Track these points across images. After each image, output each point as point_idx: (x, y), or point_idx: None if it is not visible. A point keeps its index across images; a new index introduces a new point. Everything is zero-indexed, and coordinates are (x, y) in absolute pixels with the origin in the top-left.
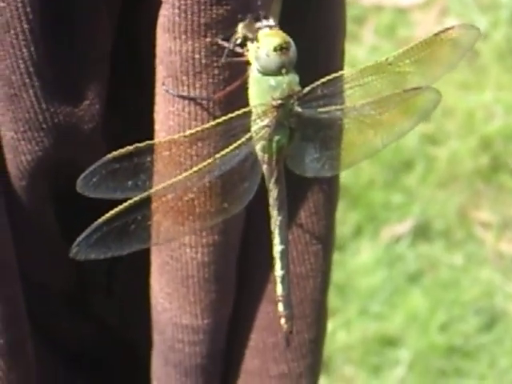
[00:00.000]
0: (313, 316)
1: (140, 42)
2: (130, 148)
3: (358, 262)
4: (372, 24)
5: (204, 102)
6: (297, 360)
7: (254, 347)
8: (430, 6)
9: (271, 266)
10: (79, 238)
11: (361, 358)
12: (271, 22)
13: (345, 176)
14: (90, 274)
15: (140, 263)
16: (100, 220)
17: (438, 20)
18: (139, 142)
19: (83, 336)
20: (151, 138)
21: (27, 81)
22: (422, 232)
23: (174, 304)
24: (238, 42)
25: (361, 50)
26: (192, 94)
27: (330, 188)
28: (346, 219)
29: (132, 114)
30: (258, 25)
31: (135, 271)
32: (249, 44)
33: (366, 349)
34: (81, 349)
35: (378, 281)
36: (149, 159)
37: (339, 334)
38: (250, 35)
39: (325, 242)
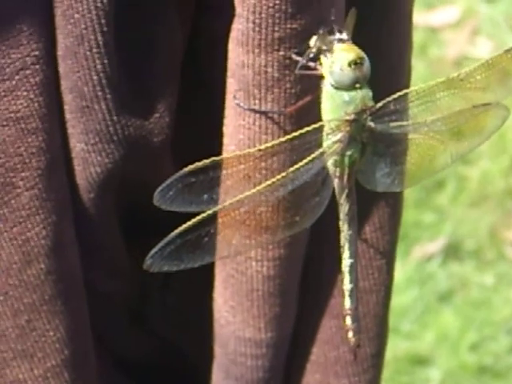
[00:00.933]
0: (375, 330)
1: (201, 54)
2: (206, 162)
3: None
4: None
5: (275, 116)
6: (358, 374)
7: (316, 361)
8: (462, 26)
9: (333, 280)
10: (153, 250)
11: (391, 376)
12: (344, 35)
13: None
14: (148, 288)
15: (195, 277)
16: (174, 232)
17: (470, 40)
18: (206, 155)
19: (141, 347)
20: (218, 151)
21: (99, 93)
22: (453, 251)
23: (237, 317)
24: (311, 56)
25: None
26: (263, 108)
27: (395, 203)
28: None
29: (198, 127)
30: (332, 38)
31: (190, 285)
32: (322, 58)
33: (397, 368)
34: (139, 360)
35: (408, 300)
36: (224, 173)
37: None
38: (324, 48)
39: (388, 256)
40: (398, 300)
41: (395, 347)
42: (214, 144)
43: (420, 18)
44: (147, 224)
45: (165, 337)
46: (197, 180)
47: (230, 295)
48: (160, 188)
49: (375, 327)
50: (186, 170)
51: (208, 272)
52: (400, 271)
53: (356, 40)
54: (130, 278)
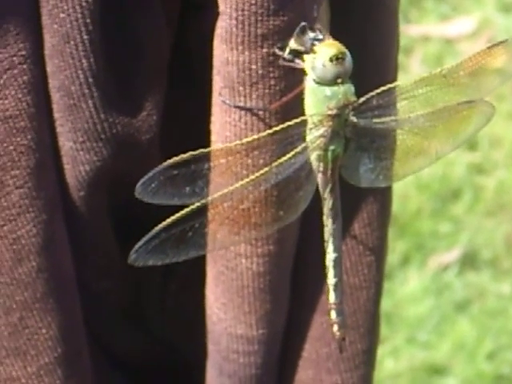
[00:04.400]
0: (366, 326)
1: (192, 53)
2: (188, 155)
3: (406, 290)
4: (419, 54)
5: (260, 112)
6: (350, 370)
7: (308, 358)
8: (478, 37)
9: (324, 277)
10: (138, 244)
11: None
12: (318, 34)
13: (393, 204)
14: (145, 288)
15: (193, 278)
16: (159, 226)
17: None
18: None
19: (138, 346)
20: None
21: (86, 91)
22: (469, 261)
23: (228, 314)
24: (290, 55)
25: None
26: (248, 105)
27: (383, 199)
28: (393, 248)
29: (188, 124)
30: (307, 38)
31: (189, 286)
32: (304, 54)
33: (414, 377)
34: (135, 359)
35: (425, 309)
36: (206, 166)
37: (387, 362)
38: (300, 48)
39: (378, 253)
40: (414, 310)
41: (412, 357)
42: (203, 141)
43: (435, 29)
44: (140, 223)
45: (162, 336)
46: (179, 173)
47: (220, 292)
48: (142, 180)
49: (366, 323)
50: (168, 162)
51: (205, 271)
52: (416, 281)
53: (341, 36)
54: (124, 277)
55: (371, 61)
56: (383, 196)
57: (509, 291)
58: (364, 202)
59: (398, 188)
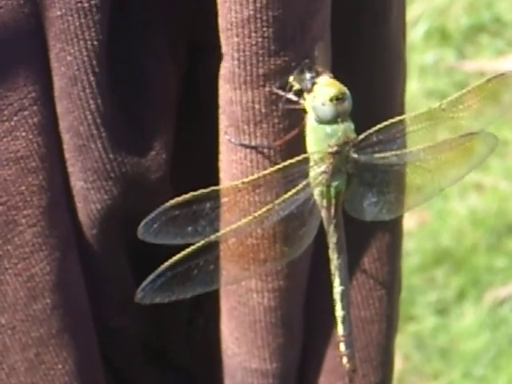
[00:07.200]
0: (378, 359)
1: (201, 93)
2: (189, 195)
3: (462, 325)
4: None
5: (265, 150)
6: None
7: None
8: None
9: (333, 310)
10: (144, 283)
11: None
12: (318, 73)
13: (448, 240)
14: (170, 324)
15: (219, 311)
16: (164, 265)
17: None
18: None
19: (158, 380)
20: (217, 185)
21: (95, 132)
22: None
23: (242, 348)
24: (290, 94)
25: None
26: (253, 143)
27: (392, 233)
28: (449, 283)
29: (199, 162)
30: (306, 77)
31: (214, 319)
32: (305, 93)
33: None
34: None
35: (481, 344)
36: (208, 205)
37: None
38: (300, 87)
39: (389, 287)
40: (470, 344)
41: None
42: (214, 178)
43: (491, 65)
44: (156, 258)
45: (184, 370)
46: (180, 213)
47: (234, 327)
48: (144, 222)
49: (378, 356)
50: (170, 203)
51: None
52: (472, 316)
53: (346, 76)
54: (143, 313)
55: (377, 100)
56: (392, 231)
57: None
58: (373, 237)
59: (452, 223)
